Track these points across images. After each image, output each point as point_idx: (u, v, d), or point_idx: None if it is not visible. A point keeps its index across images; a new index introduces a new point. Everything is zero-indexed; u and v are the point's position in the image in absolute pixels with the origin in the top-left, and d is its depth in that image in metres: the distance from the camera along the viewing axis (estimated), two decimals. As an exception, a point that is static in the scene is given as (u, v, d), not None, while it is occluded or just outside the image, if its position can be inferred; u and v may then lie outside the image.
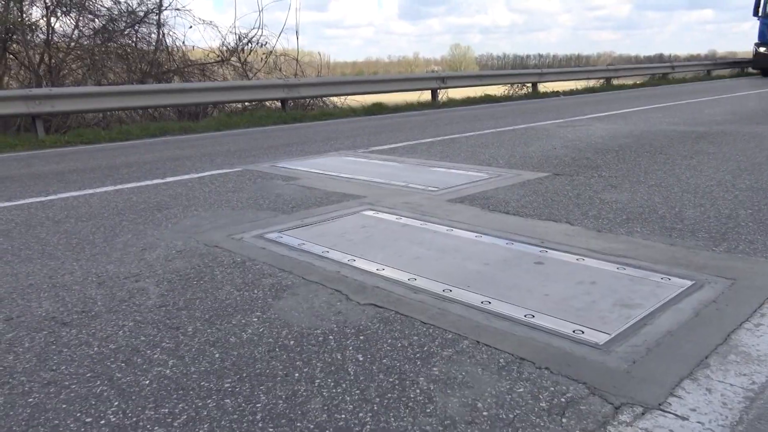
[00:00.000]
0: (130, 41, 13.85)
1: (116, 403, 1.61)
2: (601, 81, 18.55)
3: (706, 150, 5.55)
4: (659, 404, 1.53)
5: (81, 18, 13.01)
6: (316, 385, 1.68)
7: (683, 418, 1.47)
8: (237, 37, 14.71)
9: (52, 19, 12.43)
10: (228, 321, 2.12)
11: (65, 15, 12.82)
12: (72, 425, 1.52)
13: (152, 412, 1.57)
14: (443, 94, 14.41)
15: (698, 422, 1.45)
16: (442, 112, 11.83)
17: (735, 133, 6.65)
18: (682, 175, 4.42)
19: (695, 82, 20.85)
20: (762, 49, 20.50)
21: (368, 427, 1.48)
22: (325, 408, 1.56)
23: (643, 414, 1.49)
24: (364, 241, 3.00)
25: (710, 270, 2.44)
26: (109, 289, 2.46)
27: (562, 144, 6.31)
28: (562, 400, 1.57)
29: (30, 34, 12.25)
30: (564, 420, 1.48)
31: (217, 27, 20.93)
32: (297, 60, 15.13)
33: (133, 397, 1.64)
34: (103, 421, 1.53)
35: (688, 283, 2.32)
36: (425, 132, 7.96)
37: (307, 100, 13.24)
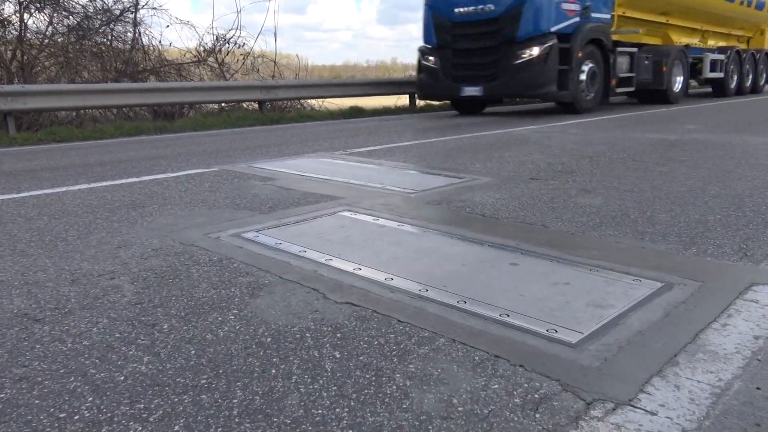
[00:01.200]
0: (105, 39, 13.70)
1: (90, 399, 1.60)
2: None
3: (677, 157, 5.67)
4: (629, 400, 1.57)
5: (55, 15, 12.85)
6: (293, 381, 1.68)
7: (652, 413, 1.50)
8: (215, 37, 14.64)
9: (25, 15, 12.23)
10: (204, 318, 2.11)
11: (39, 11, 12.64)
12: (45, 420, 1.51)
13: (127, 408, 1.56)
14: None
15: (667, 417, 1.49)
16: (419, 117, 11.89)
17: (706, 142, 6.80)
18: (654, 181, 4.51)
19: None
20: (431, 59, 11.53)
21: (345, 422, 1.49)
22: (302, 403, 1.57)
23: (614, 409, 1.53)
24: (342, 241, 3.01)
25: (680, 272, 2.50)
26: (82, 287, 2.43)
27: (538, 149, 6.39)
28: (536, 396, 1.60)
29: (1, 30, 12.04)
30: (537, 415, 1.51)
31: (194, 27, 20.84)
32: (275, 62, 15.12)
33: (108, 393, 1.63)
34: (77, 417, 1.52)
35: (659, 284, 2.37)
36: (403, 135, 8.00)
37: (285, 102, 13.23)
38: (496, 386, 1.65)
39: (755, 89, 18.54)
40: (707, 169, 5.00)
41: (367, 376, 1.71)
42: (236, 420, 1.50)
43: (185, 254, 2.83)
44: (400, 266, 2.62)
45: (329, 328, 2.01)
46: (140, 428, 1.47)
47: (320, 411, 1.53)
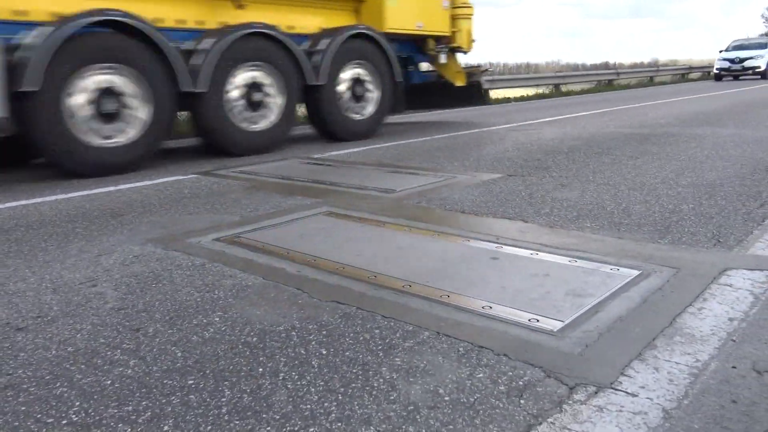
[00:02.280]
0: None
1: (78, 403, 1.60)
2: (551, 87, 19.04)
3: (650, 150, 5.78)
4: (611, 383, 1.61)
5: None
6: (281, 378, 1.70)
7: (633, 395, 1.55)
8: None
9: None
10: (189, 321, 2.11)
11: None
12: (33, 426, 1.50)
13: (115, 411, 1.56)
14: (397, 101, 14.50)
15: (647, 398, 1.53)
16: (394, 119, 11.93)
17: (678, 135, 6.94)
18: (628, 174, 4.59)
19: (639, 87, 21.62)
20: None
21: (334, 415, 1.51)
22: (291, 399, 1.59)
23: (596, 393, 1.57)
24: (324, 242, 3.03)
25: (656, 260, 2.56)
26: (64, 294, 2.42)
27: (514, 147, 6.46)
28: (520, 383, 1.63)
29: None
30: (522, 401, 1.54)
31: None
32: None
33: (95, 397, 1.63)
34: (65, 421, 1.52)
35: (636, 272, 2.42)
36: (379, 138, 8.03)
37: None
38: (481, 375, 1.68)
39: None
40: (678, 160, 5.10)
41: (354, 370, 1.73)
42: (225, 418, 1.51)
43: (167, 260, 2.83)
44: (382, 264, 2.64)
45: (314, 326, 2.03)
46: (129, 430, 1.47)
47: (309, 406, 1.55)
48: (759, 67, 23.64)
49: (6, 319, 2.20)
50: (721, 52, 25.14)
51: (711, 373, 1.64)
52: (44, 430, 1.49)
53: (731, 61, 24.15)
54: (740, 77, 24.16)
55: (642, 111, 10.82)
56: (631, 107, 11.87)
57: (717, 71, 24.56)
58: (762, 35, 25.30)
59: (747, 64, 23.72)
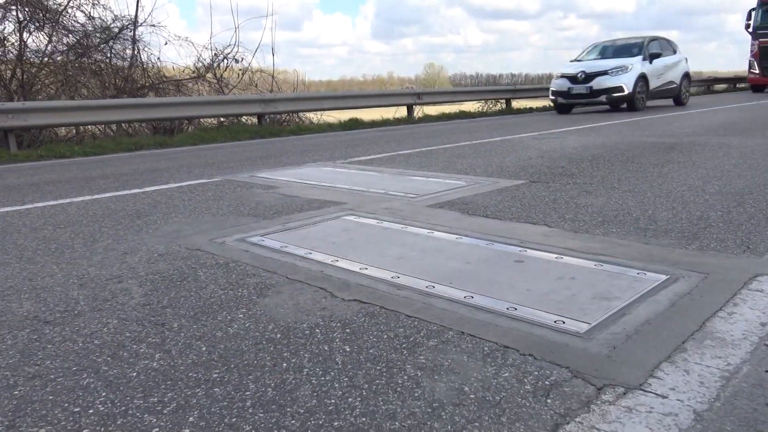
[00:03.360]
0: (104, 57, 13.76)
1: (104, 394, 1.61)
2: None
3: (676, 159, 5.71)
4: (640, 385, 1.58)
5: (54, 33, 12.91)
6: (305, 374, 1.69)
7: (663, 397, 1.51)
8: (213, 53, 14.69)
9: (25, 34, 12.31)
10: (213, 317, 2.12)
11: (38, 30, 12.71)
12: (60, 415, 1.51)
13: (141, 402, 1.57)
14: (419, 111, 14.57)
15: (678, 400, 1.50)
16: (418, 127, 11.95)
17: (704, 144, 6.84)
18: (654, 181, 4.54)
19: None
20: None
21: (358, 410, 1.50)
22: (315, 394, 1.58)
23: (624, 394, 1.54)
24: (346, 243, 3.03)
25: (684, 265, 2.52)
26: (91, 290, 2.44)
27: (537, 154, 6.42)
28: (546, 383, 1.61)
29: (1, 49, 12.11)
30: (549, 401, 1.52)
31: (192, 43, 20.93)
32: (273, 76, 15.17)
33: (121, 388, 1.64)
34: (91, 411, 1.53)
35: (663, 277, 2.38)
36: (402, 144, 8.04)
37: (284, 115, 13.28)
38: (506, 374, 1.66)
39: None
40: (705, 169, 5.03)
41: (378, 367, 1.72)
42: (250, 411, 1.51)
43: (191, 258, 2.85)
44: (405, 265, 2.63)
45: (338, 324, 2.03)
46: (155, 420, 1.48)
47: (333, 401, 1.54)
48: (620, 90, 13.35)
49: (34, 312, 2.23)
50: (571, 62, 14.90)
51: (743, 377, 1.60)
52: (71, 418, 1.50)
53: (572, 79, 13.75)
54: (587, 106, 14.59)
55: (666, 120, 10.70)
56: (654, 117, 11.74)
57: (553, 99, 14.38)
58: (664, 39, 15.54)
59: (598, 84, 13.40)
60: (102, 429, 1.45)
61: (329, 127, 12.45)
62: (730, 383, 1.57)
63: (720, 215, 3.38)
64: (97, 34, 13.62)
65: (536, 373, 1.66)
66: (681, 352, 1.75)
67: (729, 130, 8.63)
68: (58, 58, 13.01)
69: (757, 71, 22.02)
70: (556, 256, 2.71)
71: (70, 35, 13.18)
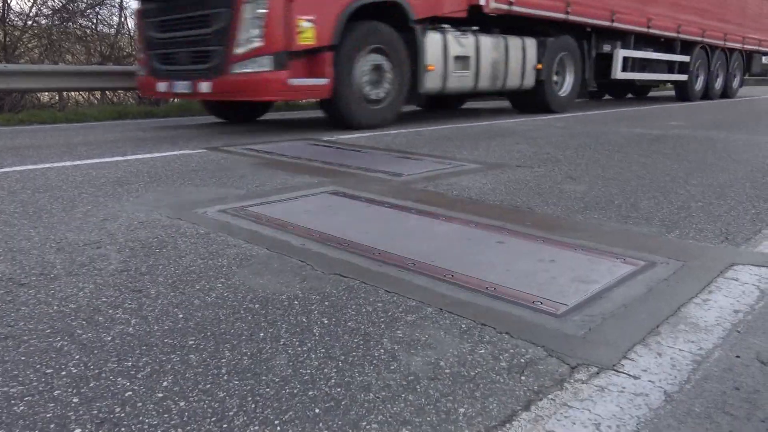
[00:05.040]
0: (90, 23, 13.53)
1: (77, 357, 1.60)
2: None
3: (661, 150, 5.75)
4: (613, 365, 1.60)
5: (39, -5, 12.65)
6: (282, 343, 1.69)
7: (635, 377, 1.53)
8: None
9: (9, -5, 12.03)
10: (192, 286, 2.11)
11: (22, -8, 12.44)
12: (32, 375, 1.50)
13: (115, 365, 1.56)
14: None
15: (649, 381, 1.52)
16: (404, 108, 11.89)
17: (689, 137, 6.89)
18: (638, 170, 4.57)
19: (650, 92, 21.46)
20: None
21: (333, 380, 1.50)
22: (291, 364, 1.58)
23: (597, 373, 1.56)
24: (329, 219, 3.01)
25: (663, 253, 2.54)
26: (68, 254, 2.42)
27: (523, 140, 6.43)
28: (522, 360, 1.62)
29: (-16, 10, 11.85)
30: (523, 378, 1.53)
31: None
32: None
33: (95, 351, 1.63)
34: (64, 372, 1.52)
35: (642, 263, 2.41)
36: (389, 124, 8.01)
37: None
38: (482, 351, 1.67)
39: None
40: (689, 161, 5.07)
41: (355, 340, 1.72)
42: (225, 378, 1.51)
43: (172, 227, 2.82)
44: (388, 242, 2.63)
45: (317, 297, 2.02)
46: (128, 384, 1.47)
47: (309, 371, 1.55)
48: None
49: (9, 274, 2.20)
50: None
51: (714, 361, 1.63)
52: (43, 379, 1.48)
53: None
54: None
55: (653, 113, 10.76)
56: (641, 108, 11.80)
57: None
58: None
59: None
60: (74, 390, 1.43)
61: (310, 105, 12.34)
62: (701, 367, 1.60)
63: (701, 206, 3.42)
64: (83, -1, 13.36)
65: (512, 350, 1.67)
66: (655, 335, 1.78)
67: (714, 125, 8.70)
68: (43, 22, 12.77)
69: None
70: (537, 238, 2.72)
71: (56, -1, 12.92)
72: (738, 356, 1.66)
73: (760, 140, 6.69)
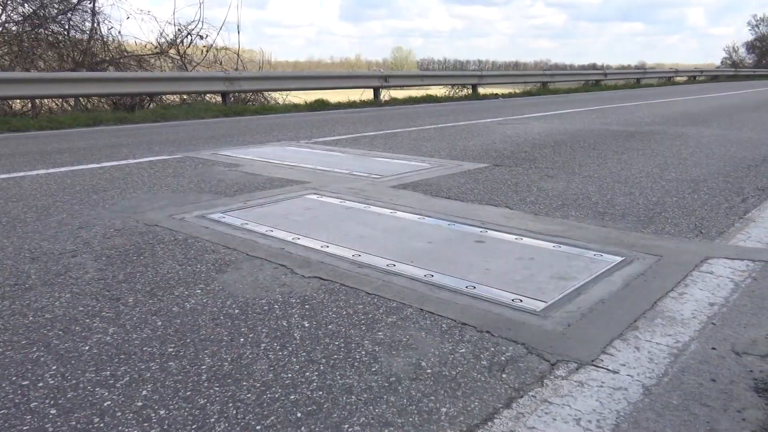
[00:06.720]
0: (62, 29, 13.31)
1: (54, 368, 1.57)
2: (538, 86, 19.11)
3: (636, 147, 5.82)
4: (592, 361, 1.61)
5: (9, 2, 12.42)
6: (262, 348, 1.68)
7: (614, 372, 1.55)
8: (176, 28, 14.33)
9: (-23, 2, 11.81)
10: (170, 293, 2.09)
11: (-9, -2, 12.21)
12: (8, 388, 1.47)
13: (93, 375, 1.53)
14: (385, 94, 14.50)
15: (628, 375, 1.54)
16: (384, 110, 11.90)
17: (663, 133, 6.99)
18: (613, 167, 4.62)
19: (626, 89, 21.75)
20: None
21: (315, 384, 1.49)
22: (272, 368, 1.57)
23: (577, 369, 1.57)
24: (309, 221, 3.01)
25: (639, 248, 2.58)
26: (43, 264, 2.38)
27: (501, 139, 6.47)
28: (502, 358, 1.63)
29: (-49, 17, 11.61)
30: (504, 375, 1.54)
31: (155, 18, 20.37)
32: (238, 54, 14.88)
33: (73, 362, 1.60)
34: (41, 384, 1.49)
35: (619, 259, 2.44)
36: (368, 126, 8.01)
37: (248, 94, 13.08)
38: (463, 350, 1.67)
39: None
40: (663, 157, 5.14)
41: (336, 343, 1.72)
42: (205, 384, 1.49)
43: (149, 234, 2.79)
44: (367, 244, 2.63)
45: (298, 300, 2.02)
46: (107, 393, 1.45)
47: (290, 375, 1.54)
48: None
49: (-18, 286, 2.16)
50: None
51: (691, 354, 1.65)
52: (19, 391, 1.46)
53: None
54: None
55: (628, 110, 10.89)
56: (617, 106, 11.94)
57: None
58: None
59: None
60: (51, 401, 1.41)
61: (295, 108, 12.30)
62: (678, 360, 1.62)
63: (675, 201, 3.47)
64: (55, 5, 13.15)
65: (492, 349, 1.68)
66: (633, 330, 1.80)
67: (688, 120, 8.83)
68: (13, 29, 12.53)
69: None
70: (516, 237, 2.74)
71: (26, 4, 12.70)
72: (714, 348, 1.68)
73: (732, 135, 6.80)
